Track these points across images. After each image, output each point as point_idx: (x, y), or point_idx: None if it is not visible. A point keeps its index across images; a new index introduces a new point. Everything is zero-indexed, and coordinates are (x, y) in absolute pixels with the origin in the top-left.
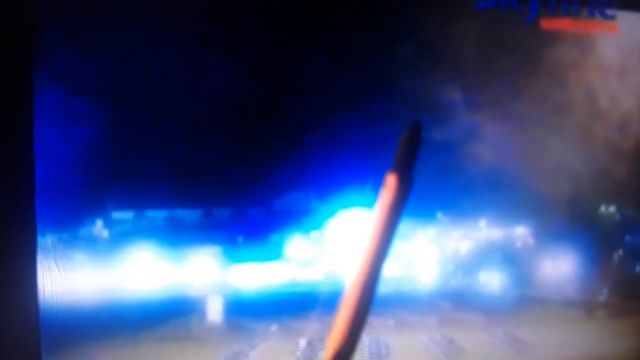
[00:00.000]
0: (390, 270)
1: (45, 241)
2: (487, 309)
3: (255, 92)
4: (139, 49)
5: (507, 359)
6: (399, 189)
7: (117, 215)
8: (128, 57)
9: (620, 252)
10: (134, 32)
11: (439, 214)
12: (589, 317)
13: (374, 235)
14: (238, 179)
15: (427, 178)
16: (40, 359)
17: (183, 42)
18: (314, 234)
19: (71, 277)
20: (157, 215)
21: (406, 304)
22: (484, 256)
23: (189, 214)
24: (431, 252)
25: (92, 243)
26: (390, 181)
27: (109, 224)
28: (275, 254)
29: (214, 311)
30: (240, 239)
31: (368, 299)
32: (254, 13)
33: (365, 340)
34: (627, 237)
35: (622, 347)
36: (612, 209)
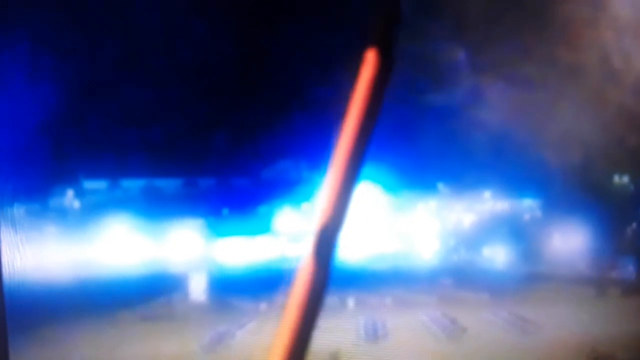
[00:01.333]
0: (387, 245)
1: (10, 213)
2: (492, 287)
3: (240, 53)
4: (114, 10)
5: (512, 339)
6: (381, 64)
7: (90, 184)
8: (102, 17)
9: (634, 225)
10: None
11: (440, 185)
12: (601, 295)
13: (357, 116)
14: (223, 146)
15: (427, 145)
16: (6, 340)
17: (161, 2)
18: (304, 205)
19: (40, 251)
20: (133, 184)
21: (405, 281)
22: (489, 230)
23: (168, 184)
24: (431, 226)
25: (62, 215)
26: (371, 57)
27: (80, 194)
28: (264, 228)
29: (198, 289)
30: (225, 211)
31: (353, 175)
32: None
33: (361, 320)
34: None
35: (635, 327)
36: (625, 179)
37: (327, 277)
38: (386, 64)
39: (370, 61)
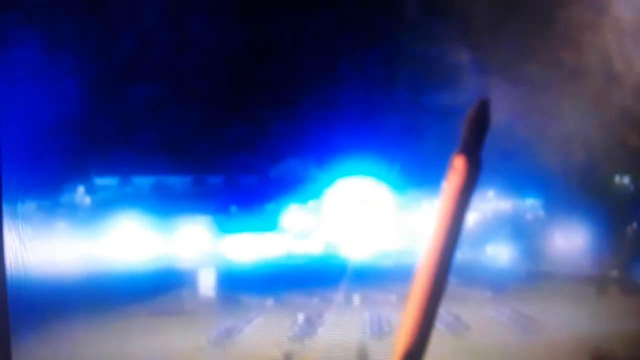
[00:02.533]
0: (392, 242)
1: (22, 209)
2: (495, 285)
3: (251, 51)
4: (127, 9)
5: (515, 336)
6: (468, 172)
7: (101, 181)
8: (115, 16)
9: (635, 225)
10: None
11: (444, 183)
12: (601, 293)
13: (444, 223)
14: (232, 145)
15: (432, 145)
16: (8, 335)
17: (173, 2)
18: (312, 203)
19: (51, 247)
20: (144, 182)
21: (410, 278)
22: (492, 229)
23: (178, 181)
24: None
25: (73, 211)
26: (459, 164)
27: (91, 190)
28: (271, 225)
29: (206, 284)
30: (233, 208)
31: (439, 292)
32: None
33: (366, 316)
34: None
35: (636, 325)
36: (626, 179)
37: None
38: (473, 171)
39: (458, 168)
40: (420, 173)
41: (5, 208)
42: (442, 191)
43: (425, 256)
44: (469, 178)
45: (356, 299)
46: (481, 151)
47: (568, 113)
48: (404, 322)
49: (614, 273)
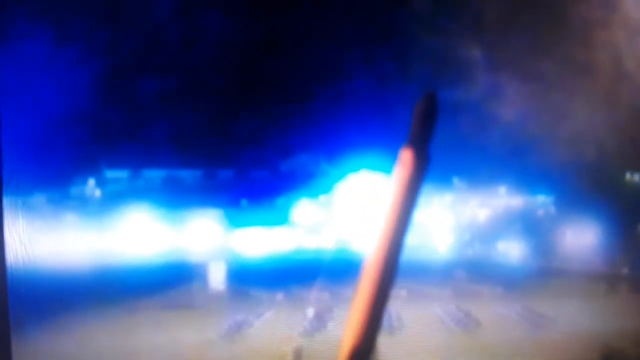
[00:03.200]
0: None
1: (31, 201)
2: (506, 281)
3: (261, 46)
4: (136, 2)
5: (525, 333)
6: (416, 165)
7: (111, 174)
8: (124, 9)
9: None
10: None
11: (455, 179)
12: (612, 291)
13: (391, 216)
14: (243, 138)
15: (443, 141)
16: (8, 331)
17: None
18: (322, 198)
19: (61, 240)
20: (155, 175)
21: (419, 273)
22: (503, 225)
23: (189, 175)
24: (446, 220)
25: (83, 204)
26: (406, 157)
27: (102, 183)
28: (281, 219)
29: (217, 278)
30: (244, 202)
31: (386, 288)
32: None
33: None
34: None
35: None
36: (637, 176)
37: None
38: (421, 164)
39: (405, 162)
40: (431, 169)
41: (13, 200)
42: (389, 185)
43: (373, 251)
44: (417, 171)
45: None
46: (429, 144)
47: (579, 110)
48: (350, 321)
49: (625, 271)
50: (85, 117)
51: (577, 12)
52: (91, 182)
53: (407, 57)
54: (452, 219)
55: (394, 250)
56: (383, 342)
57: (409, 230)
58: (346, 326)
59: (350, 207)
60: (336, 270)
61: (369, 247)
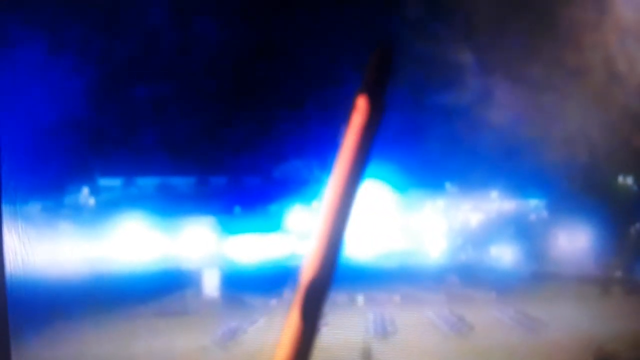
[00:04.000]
0: (395, 243)
1: (25, 210)
2: (499, 285)
3: (254, 52)
4: (129, 10)
5: (519, 337)
6: (371, 112)
7: (105, 182)
8: (117, 18)
9: (638, 225)
10: None
11: (448, 184)
12: (605, 294)
13: (346, 163)
14: (235, 145)
15: (435, 145)
16: (7, 336)
17: (176, 3)
18: (315, 204)
19: (55, 248)
20: (148, 182)
21: (413, 278)
22: (495, 229)
23: (182, 182)
24: (439, 224)
25: (78, 212)
26: (361, 104)
27: (95, 191)
28: (275, 225)
29: (210, 285)
30: (237, 209)
31: (340, 228)
32: None
33: (370, 316)
34: None
35: (639, 326)
36: (629, 179)
37: (314, 334)
38: (377, 111)
39: (361, 108)
40: (423, 175)
41: (8, 209)
42: (345, 131)
43: (329, 191)
44: (372, 117)
45: (360, 299)
46: (385, 92)
47: (571, 113)
48: (307, 258)
49: (618, 273)
50: (80, 125)
51: (568, 16)
52: (85, 190)
53: (399, 63)
54: (445, 224)
55: (349, 188)
56: (377, 346)
57: (363, 173)
58: (305, 261)
59: None
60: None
61: (327, 185)
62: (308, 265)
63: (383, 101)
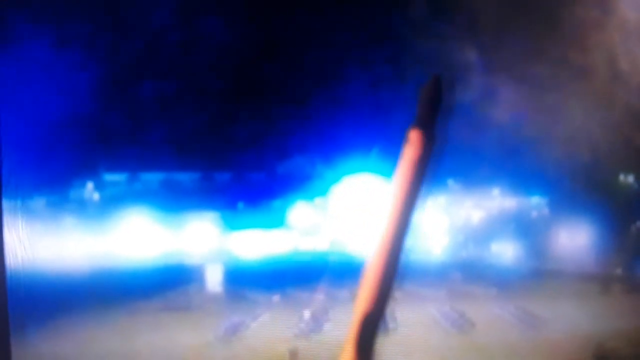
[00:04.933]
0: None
1: (30, 205)
2: (500, 282)
3: (258, 49)
4: (135, 8)
5: (520, 333)
6: (423, 145)
7: (110, 177)
8: (123, 15)
9: (639, 224)
10: None
11: (450, 181)
12: (605, 291)
13: (400, 194)
14: (239, 141)
15: (438, 143)
16: (8, 332)
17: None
18: (318, 200)
19: (60, 243)
20: (152, 178)
21: (414, 275)
22: (497, 226)
23: (186, 178)
24: (441, 221)
25: (82, 207)
26: (414, 137)
27: (100, 186)
28: (278, 221)
29: (214, 281)
30: (240, 204)
31: (395, 260)
32: None
33: None
34: None
35: (639, 323)
36: (630, 178)
37: None
38: (429, 144)
39: (413, 142)
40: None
41: (12, 204)
42: (399, 163)
43: (384, 226)
44: (425, 150)
45: None
46: (436, 125)
47: (573, 112)
48: (361, 291)
49: (618, 271)
50: (84, 121)
51: (571, 16)
52: (90, 185)
53: (402, 60)
54: (447, 221)
55: (403, 222)
56: (379, 342)
57: (417, 206)
58: (358, 297)
59: (346, 209)
60: (332, 273)
61: (380, 223)
62: (362, 299)
63: (434, 134)
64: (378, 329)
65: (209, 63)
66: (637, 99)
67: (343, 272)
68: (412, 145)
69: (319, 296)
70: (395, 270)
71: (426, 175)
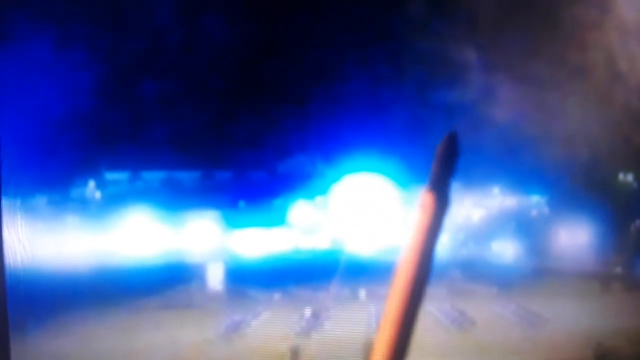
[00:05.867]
0: (397, 238)
1: (32, 203)
2: (500, 280)
3: (259, 49)
4: (137, 4)
5: (520, 332)
6: (436, 209)
7: (111, 175)
8: (125, 11)
9: (638, 222)
10: None
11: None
12: (605, 290)
13: (413, 260)
14: (240, 140)
15: (438, 142)
16: (7, 327)
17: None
18: (318, 199)
19: (62, 240)
20: (154, 176)
21: None
22: (497, 225)
23: (188, 176)
24: None
25: (84, 205)
26: (427, 200)
27: (102, 185)
28: (279, 220)
29: (215, 279)
30: (241, 203)
31: (410, 324)
32: None
33: (372, 310)
34: None
35: (638, 322)
36: (629, 177)
37: None
38: (442, 207)
39: (426, 205)
40: (426, 170)
41: (12, 203)
42: (411, 227)
43: (398, 287)
44: (438, 214)
45: (362, 293)
46: (450, 186)
47: (573, 112)
48: (378, 344)
49: (618, 270)
50: (85, 120)
51: (570, 15)
52: (92, 184)
53: (402, 60)
54: (448, 219)
55: (418, 287)
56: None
57: (431, 270)
58: (375, 349)
59: (346, 208)
60: (332, 270)
61: (393, 285)
62: (381, 351)
63: (448, 197)
64: None
65: (210, 62)
66: (636, 98)
67: (344, 270)
68: (425, 209)
69: (320, 294)
70: (410, 339)
71: (439, 237)
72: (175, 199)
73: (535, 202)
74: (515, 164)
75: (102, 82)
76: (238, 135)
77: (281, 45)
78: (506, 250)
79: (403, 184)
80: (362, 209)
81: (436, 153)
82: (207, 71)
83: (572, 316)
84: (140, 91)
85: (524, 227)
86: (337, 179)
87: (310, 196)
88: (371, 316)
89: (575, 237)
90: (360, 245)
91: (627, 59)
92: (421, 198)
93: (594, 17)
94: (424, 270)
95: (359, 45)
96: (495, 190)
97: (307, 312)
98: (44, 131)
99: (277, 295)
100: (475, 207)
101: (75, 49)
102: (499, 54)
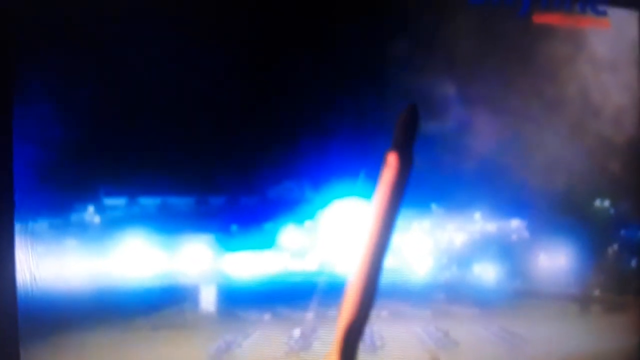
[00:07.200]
0: (384, 261)
1: (32, 226)
2: (482, 302)
3: (248, 79)
4: (129, 34)
5: (502, 353)
6: (401, 166)
7: (110, 201)
8: (117, 42)
9: (615, 246)
10: (124, 13)
11: (434, 205)
12: (584, 312)
13: (379, 213)
14: (232, 167)
15: (421, 170)
16: (17, 347)
17: (173, 30)
18: (307, 223)
19: (60, 263)
20: (150, 202)
21: (400, 295)
22: (479, 249)
23: (182, 202)
24: (425, 244)
25: (83, 229)
26: (391, 159)
27: (100, 209)
28: (269, 243)
29: (207, 300)
30: (234, 227)
31: (375, 277)
32: (246, 7)
33: None
34: (622, 232)
35: (617, 343)
36: (606, 203)
37: None
38: (406, 166)
39: (390, 163)
40: (410, 196)
41: (18, 226)
42: (376, 186)
43: (365, 244)
44: (402, 171)
45: None
46: (412, 148)
47: (549, 141)
48: (344, 306)
49: (596, 292)
50: (85, 145)
51: (544, 51)
52: (90, 208)
53: (385, 93)
54: (431, 243)
55: (383, 241)
56: (366, 359)
57: (395, 225)
58: (340, 313)
59: (334, 232)
60: (321, 292)
61: (361, 241)
62: (345, 313)
63: (411, 156)
64: (360, 341)
65: (204, 93)
66: (610, 129)
67: (331, 292)
68: (389, 167)
69: (309, 315)
70: (375, 287)
71: (404, 195)
72: (171, 223)
73: (516, 226)
74: (496, 191)
75: (99, 111)
76: (231, 162)
77: (270, 74)
78: (488, 273)
79: None
80: (348, 233)
81: (397, 120)
82: (200, 101)
83: (552, 337)
84: (137, 121)
85: (505, 250)
86: (325, 204)
87: (300, 221)
88: None
89: (554, 260)
90: (348, 267)
91: (599, 92)
92: (386, 158)
93: (568, 52)
94: (390, 222)
95: (346, 80)
96: (477, 215)
97: (296, 332)
98: (44, 157)
99: (267, 316)
100: (457, 231)
101: (72, 75)
102: (477, 88)
